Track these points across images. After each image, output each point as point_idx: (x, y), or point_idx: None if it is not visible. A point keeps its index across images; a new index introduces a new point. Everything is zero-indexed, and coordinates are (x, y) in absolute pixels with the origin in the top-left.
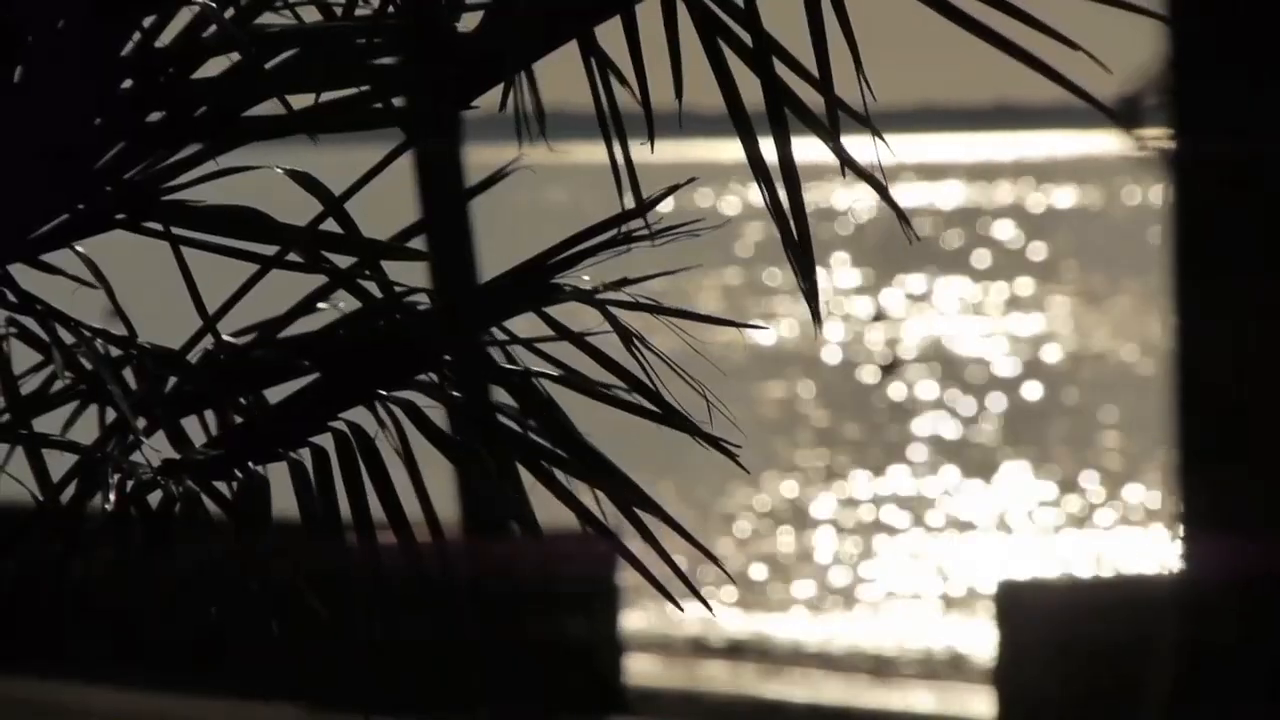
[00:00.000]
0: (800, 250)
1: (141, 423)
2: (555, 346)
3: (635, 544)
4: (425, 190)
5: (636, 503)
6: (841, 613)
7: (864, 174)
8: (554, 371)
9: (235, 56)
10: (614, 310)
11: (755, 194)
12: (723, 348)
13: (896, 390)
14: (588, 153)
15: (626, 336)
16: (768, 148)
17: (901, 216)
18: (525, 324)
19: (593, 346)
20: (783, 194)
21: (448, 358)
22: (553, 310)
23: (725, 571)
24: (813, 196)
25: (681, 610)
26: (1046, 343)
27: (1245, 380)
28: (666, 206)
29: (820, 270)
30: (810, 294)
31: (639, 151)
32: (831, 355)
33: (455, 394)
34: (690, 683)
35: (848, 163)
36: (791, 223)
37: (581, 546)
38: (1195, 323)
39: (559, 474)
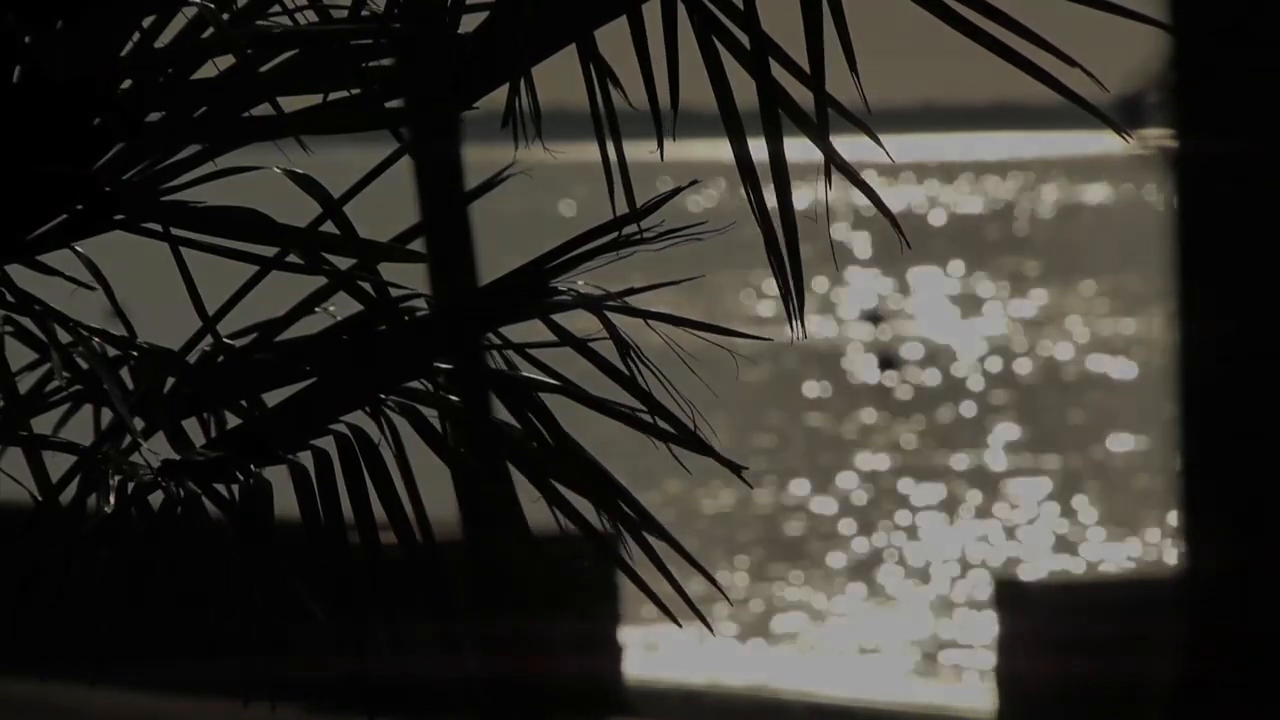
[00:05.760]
0: (786, 252)
1: (140, 424)
2: (556, 346)
3: (636, 556)
4: (425, 192)
5: (638, 521)
6: (839, 612)
7: (854, 176)
8: (556, 381)
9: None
10: (617, 314)
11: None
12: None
13: (896, 388)
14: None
15: (624, 348)
16: (762, 149)
17: (891, 219)
18: (524, 324)
19: (597, 353)
20: (772, 196)
21: (446, 365)
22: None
23: (724, 593)
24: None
25: (680, 627)
26: (1048, 340)
27: (1247, 378)
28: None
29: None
30: (789, 295)
31: (645, 152)
32: (831, 354)
33: (454, 398)
34: (690, 683)
35: (838, 164)
36: (779, 224)
37: (582, 548)
38: (1197, 320)
39: (560, 482)
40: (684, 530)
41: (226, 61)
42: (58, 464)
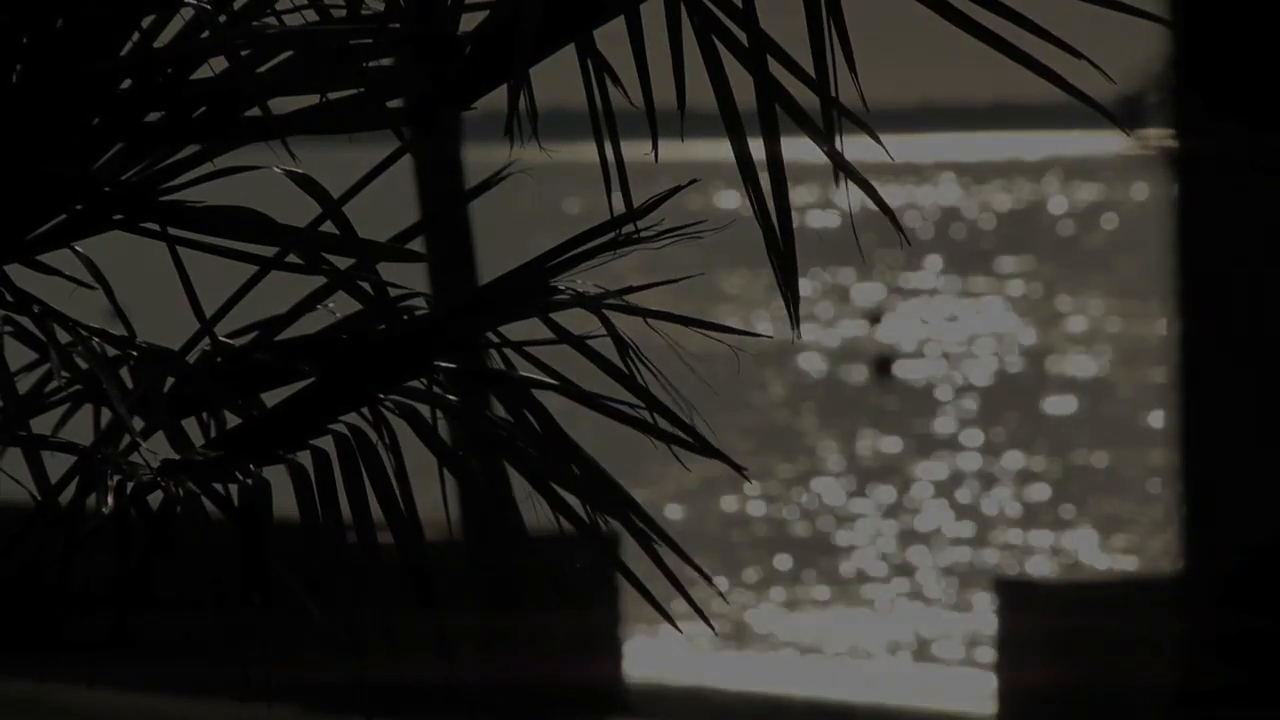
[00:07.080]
0: (783, 252)
1: (140, 424)
2: (555, 344)
3: (634, 557)
4: (425, 192)
5: (636, 522)
6: (840, 610)
7: (855, 175)
8: (555, 380)
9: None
10: (616, 313)
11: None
12: (747, 345)
13: (891, 389)
14: (629, 151)
15: (623, 347)
16: (761, 150)
17: (892, 218)
18: (522, 322)
19: (596, 352)
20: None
21: (446, 365)
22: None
23: (721, 594)
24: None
25: (680, 631)
26: (1046, 340)
27: (1246, 378)
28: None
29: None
30: (789, 296)
31: (643, 152)
32: (828, 355)
33: (452, 398)
34: (690, 683)
35: (840, 164)
36: (776, 224)
37: (581, 547)
38: (1196, 320)
39: (558, 481)
40: (682, 530)
41: (225, 62)
42: (58, 464)
